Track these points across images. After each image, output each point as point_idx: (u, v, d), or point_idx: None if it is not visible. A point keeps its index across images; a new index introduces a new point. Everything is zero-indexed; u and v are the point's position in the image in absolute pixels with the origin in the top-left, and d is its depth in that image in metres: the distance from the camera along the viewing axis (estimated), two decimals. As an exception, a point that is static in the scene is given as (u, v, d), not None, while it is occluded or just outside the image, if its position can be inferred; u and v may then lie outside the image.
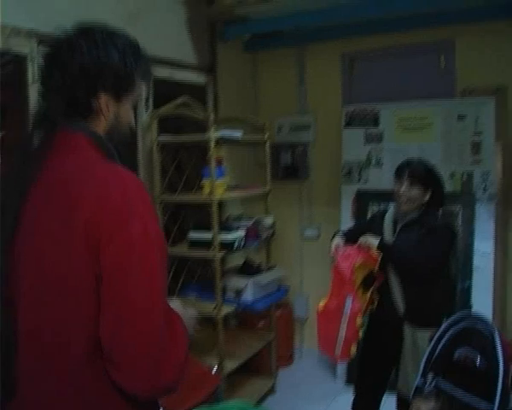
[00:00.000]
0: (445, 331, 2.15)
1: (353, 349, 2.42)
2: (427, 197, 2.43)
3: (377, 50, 3.82)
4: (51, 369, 1.03)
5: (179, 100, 3.13)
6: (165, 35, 3.28)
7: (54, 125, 1.11)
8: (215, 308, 2.98)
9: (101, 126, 1.16)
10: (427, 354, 2.17)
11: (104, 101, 1.13)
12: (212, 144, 2.86)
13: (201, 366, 2.85)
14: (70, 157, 1.09)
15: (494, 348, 1.95)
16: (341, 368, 3.79)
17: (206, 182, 3.00)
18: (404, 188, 2.42)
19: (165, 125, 3.24)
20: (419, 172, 2.40)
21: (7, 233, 1.06)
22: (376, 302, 2.46)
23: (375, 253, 2.37)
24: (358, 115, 3.80)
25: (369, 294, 2.42)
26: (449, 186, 3.47)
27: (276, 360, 3.70)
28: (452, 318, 2.16)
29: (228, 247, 2.98)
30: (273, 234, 3.43)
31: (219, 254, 2.94)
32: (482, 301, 3.31)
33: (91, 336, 1.01)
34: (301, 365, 4.17)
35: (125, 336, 0.98)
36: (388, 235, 2.52)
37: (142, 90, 1.29)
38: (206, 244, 2.97)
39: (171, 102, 3.11)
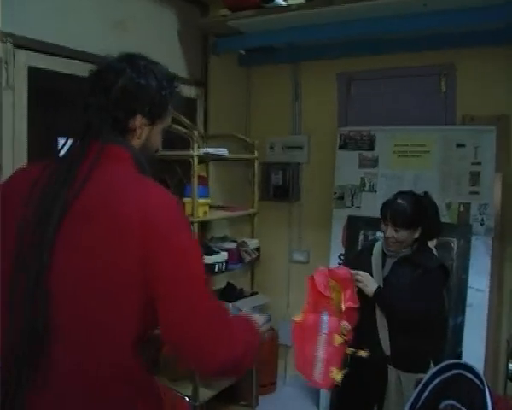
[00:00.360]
0: (431, 379, 1.99)
1: (336, 375, 2.18)
2: (416, 235, 2.26)
3: (375, 71, 3.68)
4: (93, 361, 1.10)
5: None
6: (152, 45, 3.09)
7: (97, 137, 1.19)
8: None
9: (133, 145, 1.26)
10: (410, 401, 2.00)
11: (139, 122, 1.25)
12: (196, 161, 2.71)
13: (174, 394, 2.68)
14: (114, 168, 1.17)
15: (484, 403, 1.78)
16: (325, 398, 3.60)
17: (187, 201, 2.85)
18: (388, 232, 2.26)
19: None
20: (402, 217, 2.22)
21: (50, 231, 1.08)
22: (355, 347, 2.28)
23: (356, 296, 2.21)
24: (354, 138, 3.65)
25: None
26: (445, 217, 3.32)
27: (257, 388, 3.51)
28: (441, 365, 1.99)
29: (207, 270, 2.81)
30: (258, 258, 3.27)
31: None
32: (474, 341, 3.13)
33: (134, 334, 1.12)
34: (284, 393, 3.98)
35: (183, 326, 1.11)
36: (376, 270, 2.35)
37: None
38: (185, 266, 2.80)
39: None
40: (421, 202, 2.29)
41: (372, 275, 2.33)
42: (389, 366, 2.23)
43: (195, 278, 1.14)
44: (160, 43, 3.22)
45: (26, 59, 2.41)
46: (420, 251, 2.29)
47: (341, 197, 3.68)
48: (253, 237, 3.31)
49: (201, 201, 2.83)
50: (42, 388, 1.07)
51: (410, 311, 2.18)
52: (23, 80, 2.40)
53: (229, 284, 3.29)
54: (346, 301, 2.19)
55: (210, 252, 2.89)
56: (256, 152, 3.30)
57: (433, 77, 3.51)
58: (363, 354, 2.21)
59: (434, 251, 2.60)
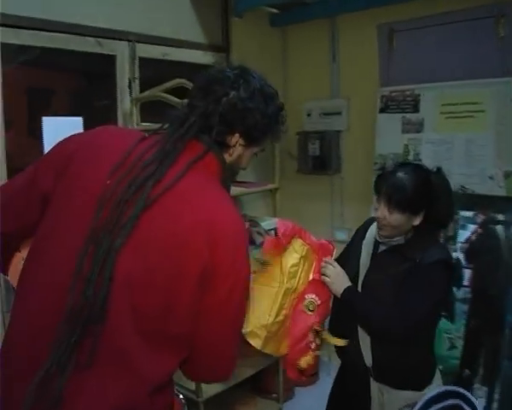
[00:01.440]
0: (425, 407, 1.58)
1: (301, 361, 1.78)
2: (417, 221, 1.79)
3: (420, 20, 3.11)
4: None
5: (169, 83, 2.73)
6: (159, 8, 2.87)
7: (197, 138, 1.19)
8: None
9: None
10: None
11: (236, 141, 1.24)
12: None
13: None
14: (203, 179, 1.17)
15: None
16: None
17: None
18: (380, 211, 1.79)
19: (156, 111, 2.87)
20: (399, 196, 1.74)
21: (131, 219, 1.08)
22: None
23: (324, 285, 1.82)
24: (396, 99, 3.16)
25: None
26: (502, 189, 2.77)
27: (284, 380, 3.18)
28: (436, 391, 1.58)
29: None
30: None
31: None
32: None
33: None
34: (326, 384, 3.60)
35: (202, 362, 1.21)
36: (365, 258, 1.92)
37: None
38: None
39: (159, 86, 2.72)
40: (428, 181, 1.79)
41: (358, 263, 1.93)
42: (371, 378, 1.83)
43: (234, 322, 1.20)
44: (170, 5, 2.95)
45: (-3, 35, 2.26)
46: (414, 240, 1.81)
47: (383, 168, 3.20)
48: (275, 216, 2.97)
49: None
50: (85, 368, 1.04)
51: (382, 328, 1.75)
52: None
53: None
54: (316, 272, 1.81)
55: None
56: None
57: (489, 20, 2.88)
58: (337, 342, 1.84)
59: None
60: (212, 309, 1.13)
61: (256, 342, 1.75)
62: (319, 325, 1.83)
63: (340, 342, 1.85)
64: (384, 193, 1.78)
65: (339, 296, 1.80)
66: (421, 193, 1.76)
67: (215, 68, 1.29)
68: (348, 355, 1.89)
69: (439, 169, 1.87)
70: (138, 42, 2.77)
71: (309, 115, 3.63)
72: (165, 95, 2.56)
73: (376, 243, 1.90)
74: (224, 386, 2.77)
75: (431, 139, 3.03)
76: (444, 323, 2.93)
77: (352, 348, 1.83)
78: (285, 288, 1.75)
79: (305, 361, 1.78)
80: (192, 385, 2.61)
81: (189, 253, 1.08)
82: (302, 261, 1.81)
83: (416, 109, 3.09)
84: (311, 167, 3.60)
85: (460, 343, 2.83)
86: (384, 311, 1.74)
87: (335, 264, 1.82)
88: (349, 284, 1.82)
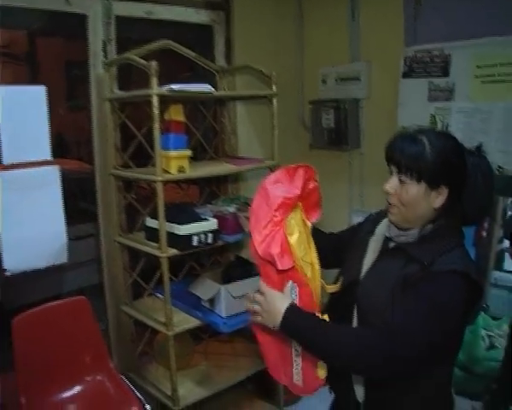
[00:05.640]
0: None
1: (321, 372, 1.44)
2: (438, 201, 1.32)
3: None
4: None
5: (153, 45, 2.37)
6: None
7: None
8: (165, 322, 2.24)
9: None
10: None
11: None
12: (155, 102, 2.05)
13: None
14: None
15: None
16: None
17: (161, 154, 2.20)
18: (389, 183, 1.36)
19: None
20: (414, 158, 1.29)
21: None
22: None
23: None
24: (422, 61, 2.65)
25: None
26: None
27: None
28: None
29: (181, 243, 2.18)
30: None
31: (167, 253, 2.17)
32: None
33: None
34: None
35: None
36: (370, 259, 1.47)
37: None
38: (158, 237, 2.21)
39: (140, 48, 2.35)
40: (457, 150, 1.33)
41: (361, 264, 1.49)
42: None
43: None
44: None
45: None
46: (429, 239, 1.34)
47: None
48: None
49: (174, 153, 2.19)
50: None
51: (360, 361, 1.29)
52: None
53: (238, 258, 2.63)
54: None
55: (192, 219, 2.24)
56: (274, 87, 2.51)
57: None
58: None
59: None
60: None
61: None
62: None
63: (334, 288, 1.48)
64: (394, 158, 1.34)
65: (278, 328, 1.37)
66: (445, 159, 1.29)
67: None
68: (339, 388, 1.50)
69: (478, 148, 1.40)
70: (115, -1, 2.42)
71: (324, 82, 3.16)
72: (133, 57, 2.19)
73: (386, 241, 1.45)
74: (206, 392, 2.44)
75: (463, 108, 2.52)
76: (483, 317, 2.48)
77: (343, 379, 1.42)
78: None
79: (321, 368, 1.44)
80: (168, 389, 2.30)
81: None
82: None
83: (445, 73, 2.57)
84: (326, 142, 3.15)
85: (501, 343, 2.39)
86: (359, 334, 1.32)
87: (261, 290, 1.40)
88: (286, 305, 1.37)
